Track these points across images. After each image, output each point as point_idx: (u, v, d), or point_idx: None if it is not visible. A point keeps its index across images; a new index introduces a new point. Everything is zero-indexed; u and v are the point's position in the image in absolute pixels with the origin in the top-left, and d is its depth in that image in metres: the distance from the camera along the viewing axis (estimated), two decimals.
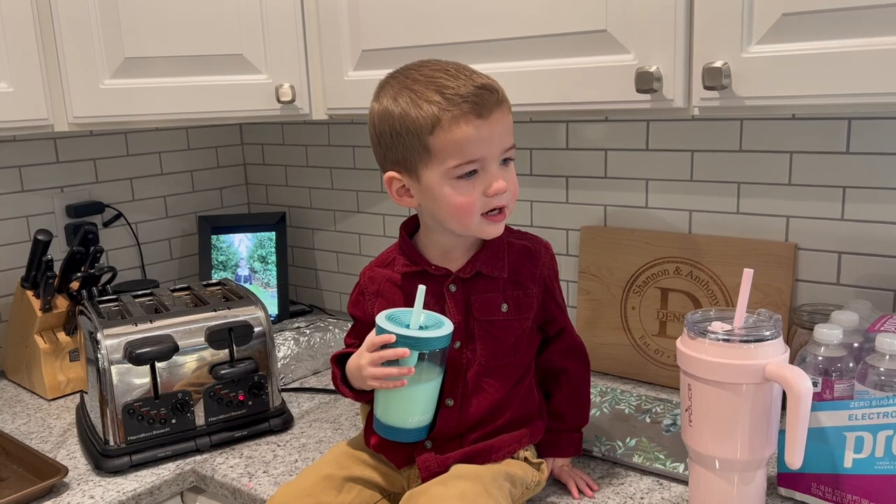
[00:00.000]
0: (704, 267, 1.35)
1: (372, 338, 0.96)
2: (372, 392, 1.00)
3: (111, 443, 1.18)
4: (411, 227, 1.06)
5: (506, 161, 0.97)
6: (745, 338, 0.88)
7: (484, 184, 0.95)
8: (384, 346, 0.94)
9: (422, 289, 0.95)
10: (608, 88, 1.05)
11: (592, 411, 1.26)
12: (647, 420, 1.23)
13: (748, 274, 0.91)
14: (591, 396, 1.31)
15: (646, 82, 1.00)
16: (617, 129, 1.42)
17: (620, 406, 1.28)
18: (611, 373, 1.46)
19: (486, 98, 0.92)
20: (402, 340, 0.93)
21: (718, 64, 0.95)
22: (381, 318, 0.96)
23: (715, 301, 1.34)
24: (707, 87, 0.96)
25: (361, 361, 0.97)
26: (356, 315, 1.09)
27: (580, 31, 1.07)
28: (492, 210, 0.96)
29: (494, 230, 0.98)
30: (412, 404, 0.97)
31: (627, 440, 1.16)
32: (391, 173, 0.99)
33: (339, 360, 1.06)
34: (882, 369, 0.96)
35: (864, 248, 1.22)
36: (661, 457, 1.11)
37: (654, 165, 1.39)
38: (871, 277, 1.22)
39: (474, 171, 0.94)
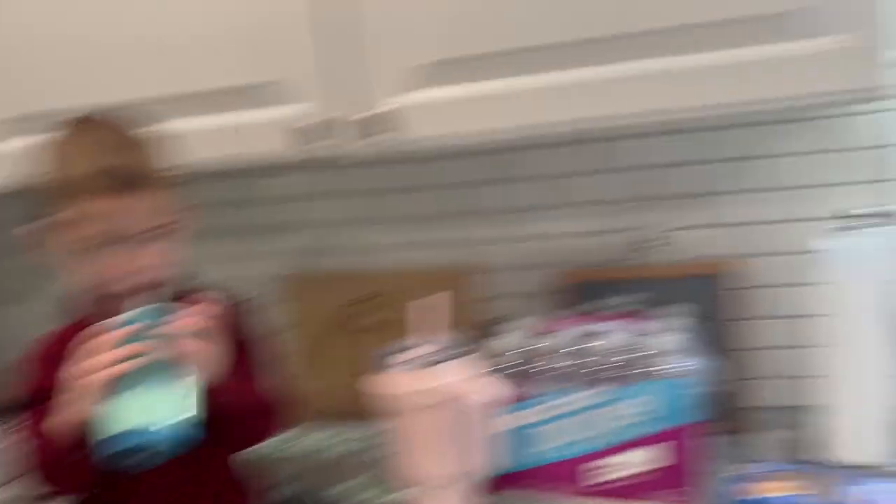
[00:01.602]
0: (394, 301, 1.40)
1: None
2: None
3: None
4: None
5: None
6: (432, 361, 0.94)
7: None
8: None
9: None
10: (270, 141, 1.07)
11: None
12: (362, 458, 1.26)
13: (438, 298, 0.97)
14: (311, 443, 1.33)
15: (311, 132, 1.04)
16: (297, 177, 1.45)
17: (335, 450, 1.30)
18: (322, 418, 1.46)
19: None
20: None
21: (383, 110, 1.01)
22: None
23: (406, 333, 1.40)
24: (372, 134, 1.02)
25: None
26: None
27: (239, 84, 1.08)
28: None
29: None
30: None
31: (348, 482, 1.18)
32: None
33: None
34: (556, 367, 1.08)
35: (531, 262, 1.36)
36: (381, 490, 1.14)
37: (334, 208, 1.44)
38: (536, 288, 1.37)
39: None
